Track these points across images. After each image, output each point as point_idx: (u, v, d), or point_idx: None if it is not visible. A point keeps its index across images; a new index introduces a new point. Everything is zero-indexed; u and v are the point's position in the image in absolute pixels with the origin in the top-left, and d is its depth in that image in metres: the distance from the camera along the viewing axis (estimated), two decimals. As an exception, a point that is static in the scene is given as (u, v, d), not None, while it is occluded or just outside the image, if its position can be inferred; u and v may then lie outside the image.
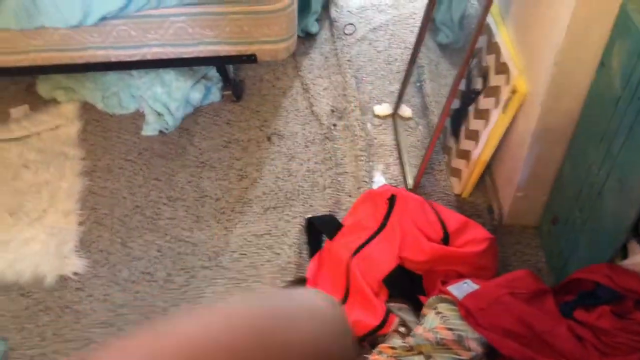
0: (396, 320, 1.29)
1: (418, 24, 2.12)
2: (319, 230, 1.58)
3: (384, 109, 1.93)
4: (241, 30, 1.71)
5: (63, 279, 1.56)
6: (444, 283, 1.30)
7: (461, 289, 1.24)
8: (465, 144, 1.65)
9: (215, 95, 1.98)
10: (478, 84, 1.63)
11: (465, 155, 1.65)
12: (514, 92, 1.42)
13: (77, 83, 1.96)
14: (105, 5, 1.61)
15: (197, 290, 1.53)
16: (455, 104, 1.74)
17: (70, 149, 1.83)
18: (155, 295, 1.52)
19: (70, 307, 1.51)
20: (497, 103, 1.49)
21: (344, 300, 1.39)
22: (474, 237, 1.40)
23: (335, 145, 1.84)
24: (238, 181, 1.76)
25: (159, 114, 1.88)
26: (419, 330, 1.19)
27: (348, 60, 2.06)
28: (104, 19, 1.65)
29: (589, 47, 1.21)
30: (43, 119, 1.91)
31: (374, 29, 2.19)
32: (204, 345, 0.28)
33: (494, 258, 1.43)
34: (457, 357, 1.13)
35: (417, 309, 1.34)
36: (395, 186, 1.68)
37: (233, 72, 2.00)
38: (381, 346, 1.21)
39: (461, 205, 1.68)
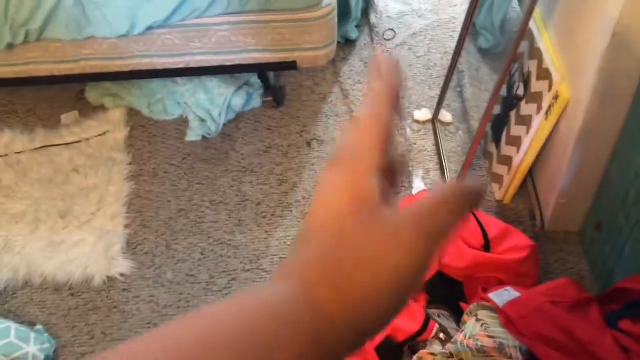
0: (436, 327, 1.29)
1: (458, 29, 2.12)
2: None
3: (423, 114, 1.93)
4: (282, 38, 1.74)
5: (110, 280, 1.62)
6: (485, 290, 1.29)
7: (502, 296, 1.24)
8: (507, 150, 1.64)
9: (256, 102, 2.01)
10: (520, 90, 1.61)
11: (506, 161, 1.64)
12: (556, 98, 1.40)
13: (124, 90, 2.03)
14: (151, 15, 1.67)
15: (239, 293, 1.56)
16: (497, 109, 1.73)
17: (117, 154, 1.90)
18: (198, 297, 1.56)
19: (118, 307, 1.57)
20: (539, 109, 1.48)
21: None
22: (515, 245, 1.39)
23: (375, 151, 1.85)
24: (278, 186, 1.79)
25: (202, 120, 1.93)
26: (459, 337, 1.19)
27: (387, 66, 2.06)
28: (149, 28, 1.70)
29: (634, 52, 1.19)
30: (92, 125, 1.98)
31: (414, 34, 2.20)
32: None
33: (535, 265, 1.42)
34: (498, 365, 1.12)
35: (456, 315, 1.34)
36: (434, 192, 1.68)
37: (274, 79, 2.03)
38: (421, 352, 1.21)
39: (502, 211, 1.67)
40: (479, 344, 1.15)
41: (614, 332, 1.14)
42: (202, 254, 1.65)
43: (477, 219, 1.45)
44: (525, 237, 1.42)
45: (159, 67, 1.82)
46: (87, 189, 1.81)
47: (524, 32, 1.36)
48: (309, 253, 0.31)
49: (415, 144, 1.86)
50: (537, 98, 1.49)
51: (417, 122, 1.92)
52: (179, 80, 1.99)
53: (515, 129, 1.60)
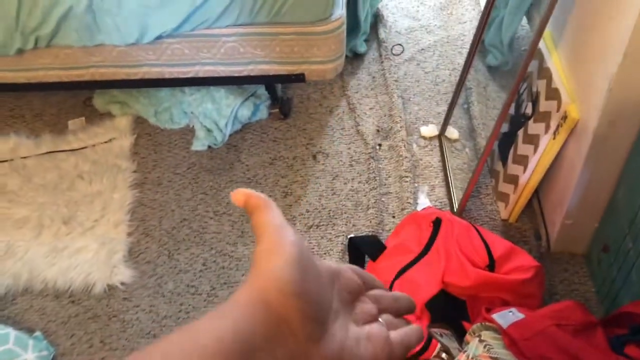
0: (438, 346, 1.27)
1: (467, 45, 2.12)
2: (362, 251, 1.58)
3: (430, 130, 1.92)
4: (291, 51, 1.74)
5: (111, 288, 1.61)
6: (489, 310, 1.28)
7: (506, 317, 1.22)
8: (513, 169, 1.63)
9: (263, 113, 2.01)
10: (528, 109, 1.61)
11: (513, 179, 1.63)
12: (564, 118, 1.39)
13: (131, 98, 2.03)
14: (161, 24, 1.67)
15: (240, 305, 1.55)
16: (504, 127, 1.72)
17: (122, 162, 1.90)
18: (198, 308, 1.55)
19: (117, 316, 1.56)
20: (547, 129, 1.47)
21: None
22: (520, 265, 1.38)
23: (380, 165, 1.85)
24: (282, 198, 1.78)
25: (209, 130, 1.93)
26: (462, 357, 1.17)
27: (395, 81, 2.06)
28: (159, 37, 1.71)
29: (645, 75, 1.18)
30: (98, 132, 1.99)
31: (422, 49, 2.20)
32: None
33: (540, 286, 1.40)
34: (501, 387, 1.10)
35: (459, 334, 1.33)
36: (440, 209, 1.67)
37: (281, 91, 2.03)
38: (422, 372, 1.19)
39: (507, 230, 1.65)
40: (482, 365, 1.13)
41: (620, 357, 1.12)
42: (203, 264, 1.64)
43: (482, 238, 1.44)
44: (531, 258, 1.41)
45: (167, 76, 1.83)
46: (91, 196, 1.81)
47: (534, 52, 1.35)
48: None
49: (421, 159, 1.86)
50: (545, 117, 1.49)
51: (424, 137, 1.91)
52: (187, 89, 2.00)
53: (523, 148, 1.59)
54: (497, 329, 1.20)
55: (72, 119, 2.05)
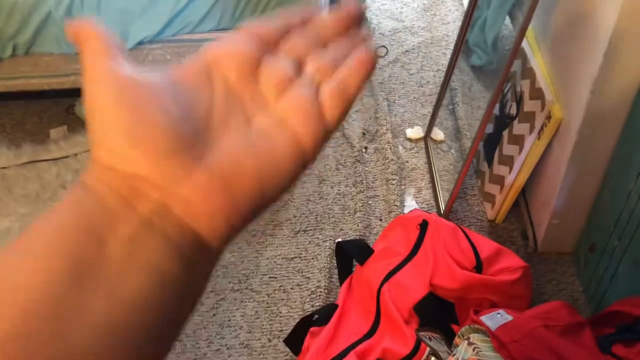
0: (427, 350, 1.27)
1: (451, 46, 2.12)
2: (350, 255, 1.57)
3: (416, 132, 1.92)
4: (274, 55, 1.73)
5: (96, 299, 1.58)
6: (477, 312, 1.27)
7: (494, 319, 1.21)
8: (499, 169, 1.63)
9: (247, 118, 2.00)
10: (512, 109, 1.61)
11: (498, 180, 1.63)
12: (549, 118, 1.40)
13: (114, 105, 2.01)
14: (141, 30, 1.65)
15: (227, 313, 1.53)
16: (489, 128, 1.72)
17: (106, 170, 1.87)
18: (185, 317, 1.53)
19: (103, 326, 1.53)
20: (531, 129, 1.47)
21: (375, 327, 1.38)
22: (508, 266, 1.37)
23: (367, 169, 1.84)
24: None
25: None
26: (450, 361, 1.16)
27: (380, 83, 2.06)
28: (141, 43, 1.69)
29: (626, 75, 1.18)
30: (80, 141, 1.96)
31: (407, 51, 2.19)
32: None
33: (527, 287, 1.40)
34: (490, 390, 1.10)
35: (448, 337, 1.32)
36: (427, 211, 1.66)
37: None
38: (411, 377, 1.19)
39: (494, 231, 1.65)
40: (471, 369, 1.12)
41: (608, 357, 1.12)
42: (190, 272, 1.62)
43: (469, 239, 1.43)
44: (518, 258, 1.41)
45: (149, 83, 1.81)
46: (74, 205, 1.78)
47: (517, 52, 1.35)
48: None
49: (407, 162, 1.85)
50: (529, 118, 1.49)
51: (410, 139, 1.91)
52: (170, 95, 1.98)
53: (508, 148, 1.59)
54: (486, 331, 1.20)
55: (54, 128, 2.02)
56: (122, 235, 0.26)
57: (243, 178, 0.29)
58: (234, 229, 0.30)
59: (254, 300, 1.55)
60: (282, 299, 1.55)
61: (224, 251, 0.30)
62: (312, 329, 1.40)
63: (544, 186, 1.53)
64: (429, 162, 1.83)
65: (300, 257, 1.64)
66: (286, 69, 0.31)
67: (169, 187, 0.28)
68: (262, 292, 1.57)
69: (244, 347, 1.47)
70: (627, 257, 1.28)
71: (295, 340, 1.42)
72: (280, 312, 1.53)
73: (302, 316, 1.45)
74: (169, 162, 0.27)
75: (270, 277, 1.60)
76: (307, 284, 1.57)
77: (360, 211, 1.72)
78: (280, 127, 0.30)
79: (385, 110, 1.97)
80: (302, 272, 1.60)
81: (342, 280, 1.53)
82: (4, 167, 1.89)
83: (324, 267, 1.59)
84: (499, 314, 1.23)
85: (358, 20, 0.33)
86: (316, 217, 1.73)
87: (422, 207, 1.72)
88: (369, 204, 1.74)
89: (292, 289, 1.57)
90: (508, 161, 1.58)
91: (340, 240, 1.63)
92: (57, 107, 2.09)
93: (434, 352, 1.28)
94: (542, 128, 1.43)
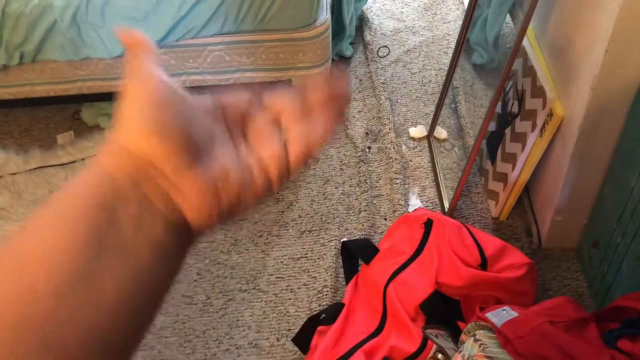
0: (434, 347, 1.28)
1: (452, 45, 2.13)
2: (355, 255, 1.59)
3: (418, 131, 1.93)
4: (277, 57, 1.74)
5: (106, 302, 1.60)
6: (482, 309, 1.29)
7: (500, 316, 1.23)
8: (502, 167, 1.64)
9: (251, 120, 2.01)
10: (514, 107, 1.62)
11: (502, 178, 1.64)
12: (550, 115, 1.41)
13: (119, 110, 2.03)
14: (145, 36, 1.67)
15: (236, 314, 1.55)
16: (491, 126, 1.73)
17: (113, 174, 1.89)
18: (194, 318, 1.55)
19: (113, 329, 1.55)
20: (533, 127, 1.48)
21: (382, 325, 1.39)
22: (512, 262, 1.39)
23: (370, 168, 1.85)
24: (274, 204, 1.79)
25: (198, 139, 1.93)
26: (457, 358, 1.18)
27: (382, 83, 2.07)
28: (145, 49, 1.70)
29: (627, 71, 1.19)
30: (87, 145, 1.98)
31: (408, 50, 2.21)
32: None
33: (532, 283, 1.41)
34: (497, 386, 1.11)
35: (454, 334, 1.33)
36: (431, 209, 1.68)
37: (269, 97, 2.03)
38: (419, 374, 1.20)
39: (499, 228, 1.67)
40: (477, 365, 1.14)
41: (613, 351, 1.13)
42: (198, 274, 1.64)
43: (473, 237, 1.45)
44: (522, 255, 1.42)
45: (154, 87, 1.82)
46: (83, 210, 1.80)
47: (517, 50, 1.36)
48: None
49: (411, 161, 1.86)
50: (531, 115, 1.50)
51: (413, 139, 1.92)
52: (175, 99, 1.99)
53: (511, 146, 1.60)
54: (492, 328, 1.21)
55: (61, 133, 2.04)
56: (131, 212, 0.32)
57: (229, 188, 0.36)
58: (214, 222, 0.37)
59: (262, 300, 1.57)
60: (290, 299, 1.57)
61: (195, 242, 0.38)
62: (319, 327, 1.42)
63: (547, 183, 1.54)
64: (433, 161, 1.85)
65: (306, 257, 1.65)
66: (265, 122, 0.39)
67: (174, 178, 0.34)
68: (270, 292, 1.59)
69: (253, 347, 1.49)
70: (631, 252, 1.29)
71: (303, 339, 1.44)
72: (288, 312, 1.55)
73: (309, 315, 1.47)
74: (180, 159, 0.34)
75: (277, 277, 1.62)
76: (314, 283, 1.59)
77: (365, 211, 1.73)
78: (258, 164, 0.38)
79: (388, 109, 1.98)
80: (308, 272, 1.62)
81: (348, 279, 1.55)
82: (14, 173, 1.92)
83: (330, 266, 1.61)
84: (504, 310, 1.24)
85: (343, 99, 0.40)
86: (321, 218, 1.74)
87: (427, 206, 1.73)
88: (374, 203, 1.76)
89: (299, 288, 1.59)
90: (511, 159, 1.59)
91: (345, 239, 1.65)
92: (63, 113, 2.11)
93: (440, 349, 1.30)
94: (544, 126, 1.44)
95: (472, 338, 1.22)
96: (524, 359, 1.13)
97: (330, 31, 1.77)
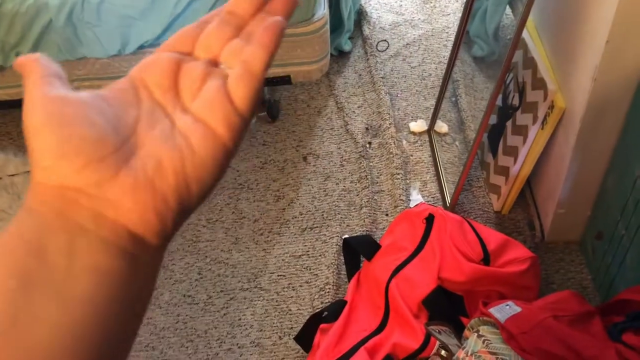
0: (437, 344, 1.27)
1: (451, 38, 2.12)
2: (357, 251, 1.58)
3: (419, 125, 1.92)
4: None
5: (107, 302, 1.60)
6: (486, 304, 1.28)
7: (503, 311, 1.22)
8: (504, 160, 1.63)
9: (251, 117, 2.00)
10: (515, 100, 1.60)
11: (503, 171, 1.62)
12: (551, 107, 1.39)
13: (117, 109, 2.02)
14: (142, 35, 1.66)
15: (237, 313, 1.54)
16: (492, 119, 1.71)
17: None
18: (196, 318, 1.54)
19: (115, 330, 1.55)
20: (535, 119, 1.46)
21: (384, 322, 1.38)
22: (515, 257, 1.37)
23: (371, 164, 1.84)
24: (275, 202, 1.78)
25: (197, 137, 1.92)
26: (461, 354, 1.17)
27: (382, 77, 2.06)
28: (141, 47, 1.69)
29: (629, 62, 1.18)
30: (86, 145, 1.97)
31: (407, 44, 2.19)
32: None
33: (536, 278, 1.40)
34: (501, 382, 1.10)
35: (458, 330, 1.32)
36: (432, 204, 1.66)
37: (268, 93, 2.02)
38: (422, 371, 1.19)
39: (501, 222, 1.65)
40: (481, 361, 1.13)
41: (618, 345, 1.12)
42: (199, 273, 1.64)
43: (475, 232, 1.43)
44: (525, 249, 1.41)
45: (151, 86, 1.81)
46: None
47: (518, 42, 1.35)
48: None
49: (412, 155, 1.85)
50: (532, 108, 1.48)
51: (413, 133, 1.91)
52: (173, 97, 1.98)
53: (512, 139, 1.59)
54: (495, 324, 1.20)
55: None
56: (60, 245, 0.29)
57: (165, 175, 0.31)
58: (168, 222, 0.32)
59: (264, 299, 1.56)
60: (292, 297, 1.56)
61: (166, 245, 0.33)
62: (322, 325, 1.41)
63: (549, 176, 1.53)
64: (434, 155, 1.83)
65: (307, 254, 1.64)
66: (199, 70, 0.34)
67: (97, 193, 0.30)
68: (272, 291, 1.58)
69: (255, 346, 1.48)
70: (635, 244, 1.28)
71: (305, 337, 1.43)
72: (290, 310, 1.54)
73: (311, 313, 1.46)
74: (92, 170, 0.30)
75: (278, 275, 1.61)
76: (316, 280, 1.58)
77: (366, 207, 1.72)
78: (195, 124, 0.32)
79: (388, 104, 1.97)
80: (310, 269, 1.61)
81: (350, 276, 1.54)
82: (12, 175, 1.91)
83: (331, 263, 1.60)
84: (507, 305, 1.23)
85: None
86: (322, 214, 1.73)
87: (428, 201, 1.72)
88: (375, 199, 1.75)
89: (300, 286, 1.58)
90: (512, 152, 1.58)
91: (347, 236, 1.63)
92: (61, 113, 2.10)
93: (443, 346, 1.29)
94: (545, 118, 1.43)
95: (476, 334, 1.21)
96: (528, 354, 1.12)
97: (328, 26, 1.75)
